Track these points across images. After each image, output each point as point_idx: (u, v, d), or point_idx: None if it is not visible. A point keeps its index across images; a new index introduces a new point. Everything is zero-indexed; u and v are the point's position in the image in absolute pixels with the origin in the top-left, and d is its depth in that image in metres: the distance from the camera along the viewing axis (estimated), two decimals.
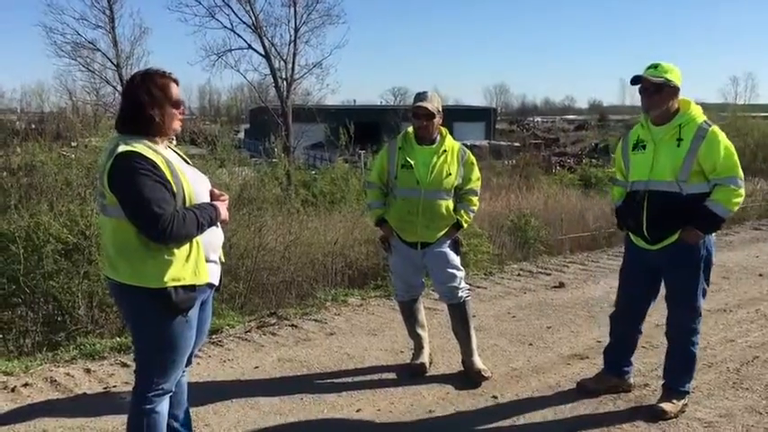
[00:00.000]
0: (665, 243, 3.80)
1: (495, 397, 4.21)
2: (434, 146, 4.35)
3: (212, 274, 2.89)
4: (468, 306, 4.47)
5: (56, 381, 4.53)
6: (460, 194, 4.44)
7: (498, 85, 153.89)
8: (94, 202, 6.83)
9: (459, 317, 4.45)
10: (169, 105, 2.75)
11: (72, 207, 6.85)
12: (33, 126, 21.66)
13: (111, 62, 28.47)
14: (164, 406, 2.91)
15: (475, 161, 4.49)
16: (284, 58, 31.76)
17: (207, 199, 2.84)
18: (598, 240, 11.91)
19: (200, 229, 2.72)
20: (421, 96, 4.32)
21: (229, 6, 30.93)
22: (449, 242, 4.40)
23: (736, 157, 3.72)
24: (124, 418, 3.79)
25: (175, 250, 2.68)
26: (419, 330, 4.70)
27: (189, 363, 3.06)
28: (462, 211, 4.41)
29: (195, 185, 2.79)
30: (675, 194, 3.71)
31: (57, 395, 4.31)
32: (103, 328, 6.23)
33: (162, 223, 2.56)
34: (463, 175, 4.41)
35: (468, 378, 4.43)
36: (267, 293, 8.17)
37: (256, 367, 4.77)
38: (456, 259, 4.43)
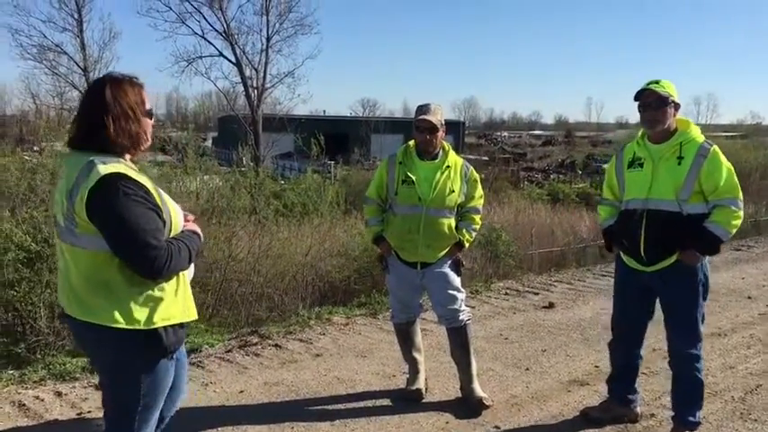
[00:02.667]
0: (661, 266, 3.64)
1: (497, 427, 3.99)
2: (437, 161, 4.15)
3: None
4: (470, 330, 4.26)
5: (24, 405, 4.19)
6: (462, 213, 4.24)
7: (467, 99, 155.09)
8: (53, 225, 6.49)
9: (460, 341, 4.23)
10: (144, 116, 2.35)
11: (36, 214, 6.51)
12: None
13: (79, 66, 27.90)
14: None
15: (478, 178, 4.30)
16: (255, 66, 31.52)
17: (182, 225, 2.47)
18: (567, 256, 11.91)
19: (191, 261, 2.39)
20: (423, 109, 4.11)
21: (201, 13, 30.67)
22: (449, 262, 4.19)
23: (736, 178, 3.60)
24: None
25: (165, 285, 2.32)
26: (415, 354, 4.47)
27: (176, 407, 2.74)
28: (464, 230, 4.21)
29: (177, 210, 2.44)
30: (676, 214, 3.56)
31: (26, 421, 3.97)
32: (65, 340, 5.92)
33: (160, 258, 2.19)
34: (466, 193, 4.21)
35: (468, 406, 4.21)
36: (236, 305, 7.92)
37: (241, 391, 4.48)
38: (457, 280, 4.22)
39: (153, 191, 2.28)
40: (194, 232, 2.48)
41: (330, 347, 5.44)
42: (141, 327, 2.26)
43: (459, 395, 4.34)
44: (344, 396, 4.44)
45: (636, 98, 3.64)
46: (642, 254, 3.67)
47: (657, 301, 3.82)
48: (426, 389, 4.44)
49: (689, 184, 3.54)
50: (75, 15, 28.15)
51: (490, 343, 5.61)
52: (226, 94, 34.08)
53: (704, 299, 3.70)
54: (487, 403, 4.17)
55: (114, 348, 2.32)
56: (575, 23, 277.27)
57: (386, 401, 4.36)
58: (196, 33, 31.16)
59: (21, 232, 6.16)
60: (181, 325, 2.41)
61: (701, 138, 3.63)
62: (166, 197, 2.39)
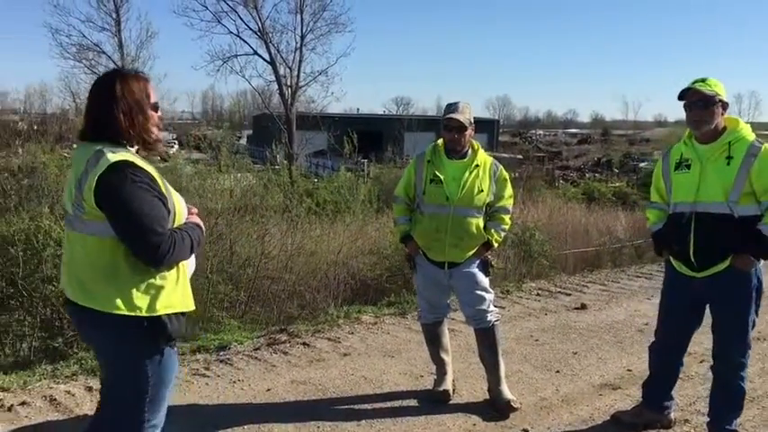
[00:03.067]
0: (713, 271, 3.51)
1: (525, 430, 3.92)
2: (466, 160, 4.09)
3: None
4: (498, 331, 4.19)
5: (55, 399, 4.24)
6: (491, 212, 4.17)
7: (501, 97, 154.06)
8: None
9: (488, 343, 4.17)
10: (150, 109, 2.43)
11: None
12: (35, 127, 21.45)
13: (116, 65, 28.31)
14: None
15: (508, 177, 4.23)
16: (289, 65, 31.70)
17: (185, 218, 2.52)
18: (602, 257, 11.72)
19: (193, 251, 2.43)
20: (452, 107, 4.06)
21: (236, 12, 30.91)
22: (478, 262, 4.13)
23: None
24: None
25: (166, 274, 2.37)
26: (443, 355, 4.42)
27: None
28: (493, 230, 4.14)
29: (181, 201, 2.48)
30: (727, 217, 3.42)
31: (56, 416, 4.02)
32: None
33: (163, 245, 2.25)
34: (495, 192, 4.14)
35: (496, 408, 4.14)
36: (269, 302, 7.97)
37: (268, 389, 4.49)
38: (485, 281, 4.16)
39: (158, 180, 2.34)
40: (197, 225, 2.51)
41: (358, 347, 5.42)
42: (143, 314, 2.31)
43: (487, 397, 4.28)
44: (371, 396, 4.41)
45: (680, 97, 3.52)
46: (692, 258, 3.55)
47: (707, 307, 3.70)
48: (454, 390, 4.39)
49: (739, 184, 3.40)
50: (114, 15, 28.64)
51: (520, 344, 5.54)
52: (260, 92, 34.37)
53: (757, 305, 3.56)
54: (515, 406, 4.11)
55: (116, 336, 2.37)
56: (611, 21, 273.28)
57: (413, 402, 4.32)
58: (231, 32, 31.45)
59: (59, 228, 6.28)
60: (182, 314, 2.45)
61: (751, 136, 3.49)
62: (171, 188, 2.45)
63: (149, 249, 2.25)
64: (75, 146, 2.55)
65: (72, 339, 5.86)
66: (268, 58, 31.39)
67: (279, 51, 31.56)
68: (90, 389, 4.42)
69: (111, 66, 28.15)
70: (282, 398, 4.37)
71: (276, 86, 32.18)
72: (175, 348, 2.49)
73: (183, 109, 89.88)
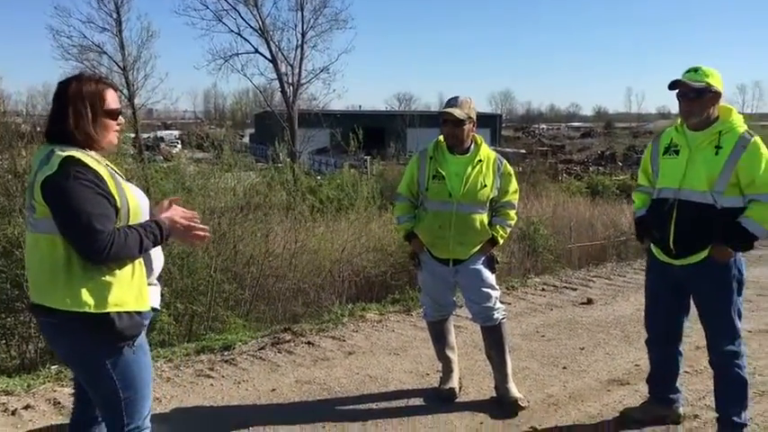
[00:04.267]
0: (691, 260, 3.48)
1: (533, 428, 3.88)
2: (468, 155, 4.04)
3: (154, 298, 2.57)
4: (505, 328, 4.15)
5: (59, 403, 4.22)
6: (496, 207, 4.13)
7: (503, 92, 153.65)
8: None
9: (495, 340, 4.13)
10: (104, 116, 2.44)
11: None
12: (39, 128, 21.42)
13: (118, 65, 28.36)
14: None
15: (512, 172, 4.18)
16: (291, 62, 31.70)
17: (148, 217, 2.50)
18: (608, 250, 11.65)
19: (143, 249, 2.40)
20: (451, 102, 4.01)
21: (236, 10, 30.91)
22: (483, 259, 4.09)
23: None
24: None
25: (117, 271, 2.36)
26: (448, 352, 4.38)
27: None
28: (498, 226, 4.09)
29: (140, 201, 2.48)
30: (709, 206, 3.39)
31: (61, 419, 3.98)
32: None
33: (101, 241, 2.25)
34: (499, 187, 4.09)
35: (503, 406, 4.10)
36: (273, 301, 7.96)
37: (273, 390, 4.46)
38: (491, 277, 4.11)
39: (108, 179, 2.34)
40: (157, 222, 2.48)
41: (363, 345, 5.39)
42: (92, 310, 2.31)
43: (494, 395, 4.24)
44: (377, 395, 4.38)
45: (669, 88, 3.49)
46: (671, 246, 3.52)
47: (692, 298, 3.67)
48: (460, 388, 4.36)
49: (725, 175, 3.36)
50: (114, 15, 28.65)
51: (526, 340, 5.50)
52: (262, 90, 34.36)
53: (739, 294, 3.53)
54: (523, 404, 4.06)
55: (70, 335, 2.39)
56: (613, 12, 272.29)
57: (419, 401, 4.28)
58: (232, 31, 31.47)
59: None
60: (138, 313, 2.43)
61: (742, 127, 3.44)
62: (131, 188, 2.46)
63: (86, 246, 2.26)
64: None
65: None
66: (269, 56, 31.38)
67: (280, 49, 31.56)
68: None
69: (114, 67, 28.19)
70: (287, 398, 4.34)
71: (278, 84, 32.18)
72: (134, 349, 2.45)
73: (186, 108, 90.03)
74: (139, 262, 2.44)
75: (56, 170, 2.26)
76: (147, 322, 2.56)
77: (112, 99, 2.47)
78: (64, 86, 2.42)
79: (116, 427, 2.50)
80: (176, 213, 2.56)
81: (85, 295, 2.31)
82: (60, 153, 2.30)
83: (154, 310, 2.59)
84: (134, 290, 2.41)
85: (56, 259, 2.32)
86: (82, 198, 2.25)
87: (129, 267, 2.40)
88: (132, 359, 2.45)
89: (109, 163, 2.50)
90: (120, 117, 2.52)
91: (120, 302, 2.36)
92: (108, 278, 2.34)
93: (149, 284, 2.53)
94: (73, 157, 2.29)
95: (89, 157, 2.34)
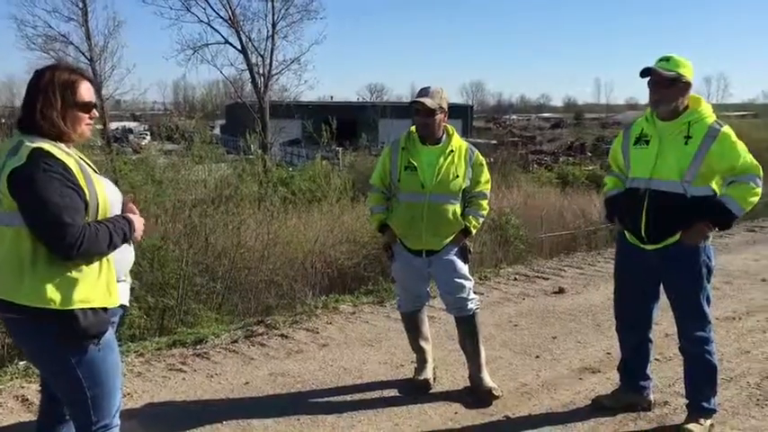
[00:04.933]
0: (662, 244, 3.53)
1: (507, 417, 3.91)
2: (440, 146, 4.03)
3: (123, 295, 2.53)
4: (478, 318, 4.16)
5: (27, 399, 4.13)
6: (468, 198, 4.12)
7: (474, 83, 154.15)
8: None
9: (468, 330, 4.14)
10: (75, 108, 2.38)
11: None
12: (3, 120, 20.97)
13: (85, 56, 27.79)
14: None
15: (484, 162, 4.18)
16: (261, 53, 31.30)
17: (119, 211, 2.47)
18: (578, 239, 11.77)
19: (113, 246, 2.35)
20: (422, 92, 3.99)
21: (206, 0, 30.35)
22: (456, 249, 4.09)
23: (750, 155, 3.47)
24: None
25: (84, 267, 2.30)
26: (422, 343, 4.38)
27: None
28: (471, 216, 4.09)
29: (110, 195, 2.42)
30: (679, 195, 3.44)
31: (29, 416, 3.90)
32: None
33: (71, 236, 2.19)
34: (471, 177, 4.09)
35: (477, 396, 4.12)
36: (246, 293, 7.91)
37: (246, 383, 4.42)
38: (464, 268, 4.11)
39: (77, 173, 2.28)
40: (126, 218, 2.45)
41: (337, 337, 5.37)
42: (57, 307, 2.25)
43: (468, 384, 4.25)
44: (351, 387, 4.36)
45: (641, 75, 3.52)
46: (643, 235, 3.57)
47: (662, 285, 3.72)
48: (435, 378, 4.36)
49: (695, 165, 3.41)
50: (80, 5, 27.95)
51: (499, 330, 5.53)
52: (232, 81, 33.93)
53: (708, 281, 3.59)
54: (497, 394, 4.08)
55: (33, 331, 2.33)
56: (581, 3, 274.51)
57: (393, 392, 4.28)
58: (201, 21, 30.92)
59: None
60: (104, 309, 2.37)
61: (711, 117, 3.48)
62: (101, 181, 2.41)
63: (56, 240, 2.20)
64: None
65: None
66: (239, 47, 30.95)
67: (250, 39, 31.13)
68: None
69: (81, 57, 27.61)
70: (261, 391, 4.31)
71: (248, 75, 31.80)
72: (100, 347, 2.39)
73: (155, 99, 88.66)
74: (108, 258, 2.39)
75: (24, 162, 2.20)
76: (115, 319, 2.51)
77: (86, 91, 2.41)
78: (38, 75, 2.36)
79: (83, 424, 2.45)
80: (139, 220, 2.52)
81: (50, 291, 2.24)
82: (29, 144, 2.24)
83: (122, 307, 2.54)
84: (101, 286, 2.36)
85: (21, 253, 2.25)
86: (50, 190, 2.19)
87: (96, 263, 2.34)
88: (98, 356, 2.39)
89: (82, 155, 2.44)
90: (93, 110, 2.46)
91: (86, 299, 2.30)
92: (74, 274, 2.28)
93: (118, 281, 2.47)
94: (41, 149, 2.23)
95: (58, 149, 2.28)
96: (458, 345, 4.30)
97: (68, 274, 2.27)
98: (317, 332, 5.48)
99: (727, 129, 3.45)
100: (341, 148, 26.98)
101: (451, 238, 4.05)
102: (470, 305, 4.08)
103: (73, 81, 2.38)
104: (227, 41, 31.06)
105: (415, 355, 4.45)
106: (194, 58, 31.03)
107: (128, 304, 2.60)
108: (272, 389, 4.34)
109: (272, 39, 31.07)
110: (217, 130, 48.09)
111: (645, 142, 3.60)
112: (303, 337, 5.34)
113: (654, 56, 3.56)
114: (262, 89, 31.30)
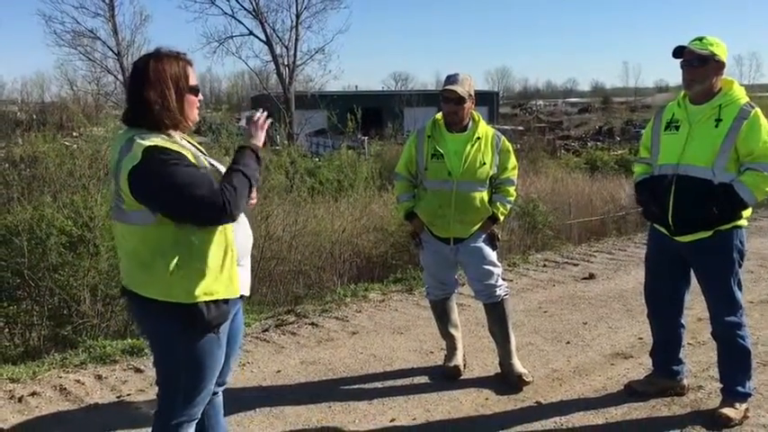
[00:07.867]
0: (692, 238, 3.47)
1: (538, 403, 3.91)
2: (467, 133, 4.01)
3: (244, 284, 2.54)
4: (507, 305, 4.15)
5: (65, 389, 4.23)
6: (496, 185, 4.11)
7: (500, 69, 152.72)
8: (99, 195, 6.59)
9: (498, 317, 4.14)
10: (188, 92, 2.36)
11: (76, 198, 6.65)
12: (35, 117, 21.36)
13: (112, 51, 28.24)
14: None
15: (511, 148, 4.16)
16: (286, 44, 31.50)
17: None
18: (607, 225, 11.64)
19: (252, 187, 2.38)
20: (451, 79, 3.97)
21: None
22: (484, 236, 4.08)
23: None
24: (140, 430, 3.55)
25: (209, 260, 2.32)
26: (452, 330, 4.39)
27: (224, 382, 2.75)
28: (498, 203, 4.08)
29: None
30: (707, 182, 3.37)
31: (67, 405, 4.01)
32: (109, 321, 6.08)
33: (216, 202, 2.20)
34: (498, 164, 4.07)
35: (508, 382, 4.12)
36: (275, 283, 7.97)
37: (278, 371, 4.47)
38: (492, 255, 4.11)
39: (190, 156, 2.30)
40: (252, 150, 2.46)
41: (366, 325, 5.40)
42: (183, 300, 2.30)
43: (499, 371, 4.25)
44: (381, 374, 4.39)
45: (674, 55, 3.46)
46: (670, 222, 3.52)
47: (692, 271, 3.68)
48: (465, 365, 4.37)
49: (726, 149, 3.34)
50: (107, 0, 28.36)
51: (529, 316, 5.51)
52: (258, 73, 34.16)
53: (740, 265, 3.53)
54: (527, 379, 4.08)
55: (155, 321, 2.40)
56: None
57: (424, 379, 4.30)
58: (226, 13, 31.24)
59: (62, 217, 6.27)
60: (225, 301, 2.41)
61: (743, 99, 3.42)
62: (215, 164, 2.45)
63: (205, 212, 2.22)
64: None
65: (80, 327, 5.87)
66: (264, 38, 31.18)
67: (274, 30, 31.35)
68: (99, 377, 4.41)
69: (108, 52, 27.99)
70: (293, 379, 4.36)
71: (273, 66, 31.99)
72: (219, 337, 2.44)
73: None
74: (232, 248, 2.41)
75: (140, 160, 2.19)
76: (235, 309, 2.55)
77: (193, 74, 2.40)
78: (142, 67, 2.32)
79: (171, 410, 2.48)
80: (254, 127, 2.53)
81: (177, 286, 2.29)
82: (141, 142, 2.22)
83: (242, 297, 2.56)
84: (224, 278, 2.38)
85: (146, 251, 2.30)
86: (174, 175, 2.19)
87: (221, 254, 2.36)
88: (210, 348, 2.42)
89: (191, 140, 2.48)
90: (200, 92, 2.45)
91: (210, 291, 2.33)
92: (199, 267, 2.31)
93: (239, 266, 2.49)
94: (153, 145, 2.22)
95: (171, 143, 2.28)
96: (487, 331, 4.30)
97: (194, 267, 2.30)
98: (347, 320, 5.51)
99: (758, 111, 3.38)
100: (366, 138, 27.01)
101: (479, 225, 4.04)
102: (499, 291, 4.08)
103: (183, 66, 2.36)
104: (251, 33, 31.30)
105: (444, 343, 4.46)
106: (220, 50, 31.40)
107: (248, 293, 2.61)
108: (304, 377, 4.39)
109: (297, 29, 31.26)
110: (243, 122, 48.33)
111: (675, 128, 3.55)
112: (333, 326, 5.38)
113: (682, 36, 3.53)
114: (287, 80, 31.46)
